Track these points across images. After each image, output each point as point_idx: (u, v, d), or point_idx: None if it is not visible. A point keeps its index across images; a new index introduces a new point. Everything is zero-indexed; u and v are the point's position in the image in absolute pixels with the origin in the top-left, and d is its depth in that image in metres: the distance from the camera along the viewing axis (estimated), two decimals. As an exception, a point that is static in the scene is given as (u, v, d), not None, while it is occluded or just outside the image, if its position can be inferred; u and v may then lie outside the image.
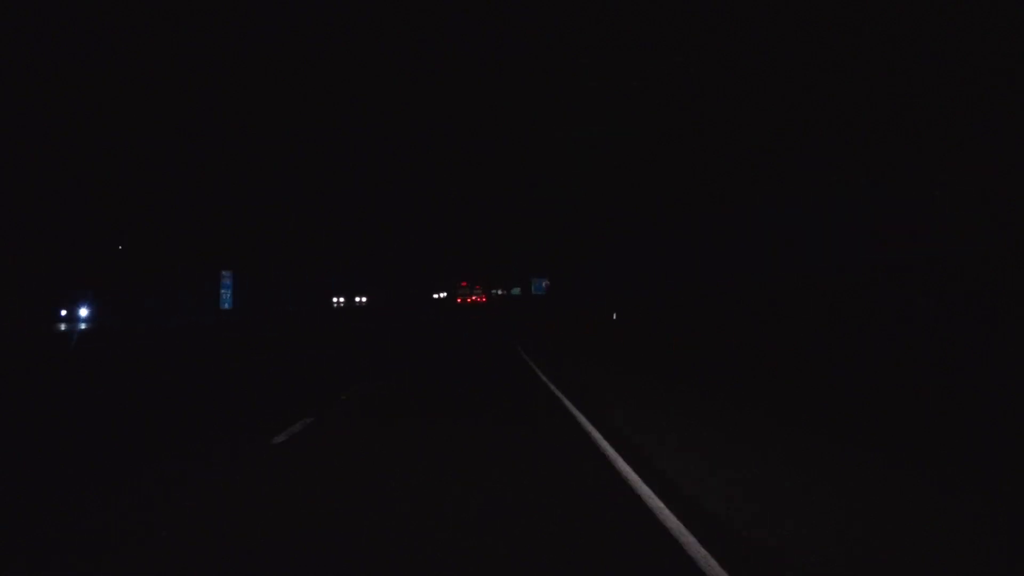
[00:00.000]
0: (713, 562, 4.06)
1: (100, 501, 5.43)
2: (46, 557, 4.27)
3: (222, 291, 48.02)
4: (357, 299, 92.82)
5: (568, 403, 10.47)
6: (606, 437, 7.73)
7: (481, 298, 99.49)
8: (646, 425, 8.56)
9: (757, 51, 19.24)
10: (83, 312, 37.67)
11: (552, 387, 12.45)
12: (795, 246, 19.64)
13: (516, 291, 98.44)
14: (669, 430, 8.28)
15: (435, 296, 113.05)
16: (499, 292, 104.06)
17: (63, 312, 36.53)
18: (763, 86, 19.58)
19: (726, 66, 21.10)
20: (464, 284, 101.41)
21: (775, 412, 9.33)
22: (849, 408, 9.50)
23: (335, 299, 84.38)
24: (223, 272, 47.64)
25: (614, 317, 45.84)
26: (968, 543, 4.39)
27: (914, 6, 13.77)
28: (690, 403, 10.54)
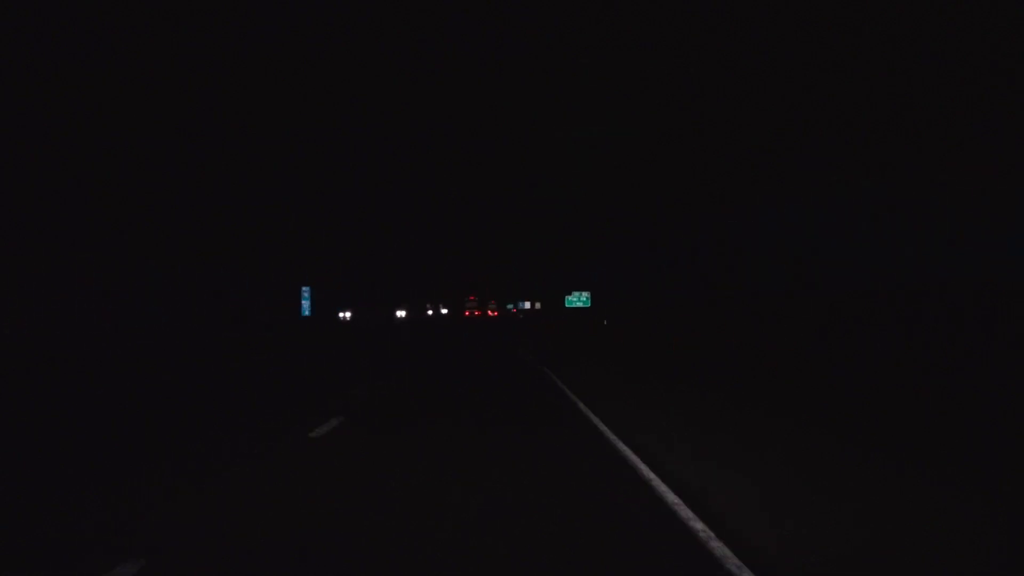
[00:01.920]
0: (715, 562, 4.06)
1: (100, 501, 5.43)
2: (46, 557, 4.27)
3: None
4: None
5: (574, 397, 10.48)
6: (609, 434, 7.74)
7: (493, 312, 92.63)
8: (646, 425, 8.56)
9: (757, 51, 19.24)
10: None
11: (561, 385, 12.47)
12: (795, 246, 19.62)
13: (579, 298, 67.90)
14: (670, 430, 8.27)
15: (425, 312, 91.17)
16: (524, 306, 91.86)
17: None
18: (763, 86, 19.58)
19: (726, 66, 21.10)
20: (472, 298, 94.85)
21: (775, 412, 9.33)
22: (850, 408, 9.50)
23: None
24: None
25: (604, 323, 45.85)
26: (968, 543, 4.39)
27: (914, 6, 13.77)
28: (690, 403, 10.54)
